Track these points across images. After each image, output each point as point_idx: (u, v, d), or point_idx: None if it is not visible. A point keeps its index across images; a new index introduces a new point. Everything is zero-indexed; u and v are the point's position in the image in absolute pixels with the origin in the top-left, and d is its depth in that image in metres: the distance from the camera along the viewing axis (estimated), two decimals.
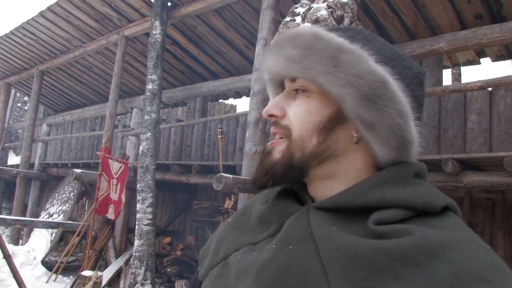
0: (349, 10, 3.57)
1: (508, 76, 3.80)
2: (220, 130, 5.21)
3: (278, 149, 0.78)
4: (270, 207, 0.82)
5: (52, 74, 11.45)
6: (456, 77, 9.41)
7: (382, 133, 0.73)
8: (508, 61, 6.50)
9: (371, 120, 0.72)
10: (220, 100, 11.62)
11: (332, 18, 3.52)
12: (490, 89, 5.26)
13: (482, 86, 3.99)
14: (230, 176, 4.36)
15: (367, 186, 0.72)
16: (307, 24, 3.49)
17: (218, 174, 4.41)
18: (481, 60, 6.47)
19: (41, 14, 8.68)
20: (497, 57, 6.31)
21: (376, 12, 5.70)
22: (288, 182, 0.79)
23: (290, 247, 0.69)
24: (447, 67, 6.73)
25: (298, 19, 3.67)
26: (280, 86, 0.87)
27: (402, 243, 0.61)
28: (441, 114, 5.70)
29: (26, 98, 17.91)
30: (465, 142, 5.45)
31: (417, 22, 5.61)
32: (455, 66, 6.81)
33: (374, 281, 0.59)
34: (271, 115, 0.80)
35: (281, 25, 3.78)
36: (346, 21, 3.56)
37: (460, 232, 0.65)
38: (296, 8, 3.81)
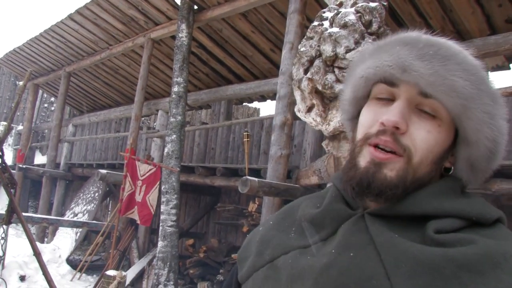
0: (377, 15, 3.55)
1: None
2: (246, 133, 5.22)
3: (393, 167, 0.74)
4: (323, 212, 0.81)
5: (78, 76, 11.64)
6: None
7: (479, 173, 0.83)
8: None
9: (484, 166, 0.82)
10: (244, 104, 11.65)
11: (360, 23, 3.50)
12: None
13: None
14: (256, 179, 4.37)
15: (425, 195, 0.75)
16: (336, 29, 3.47)
17: (244, 177, 4.42)
18: (511, 65, 6.36)
19: (70, 16, 8.84)
20: None
21: (403, 17, 5.65)
22: (377, 198, 0.76)
23: (351, 253, 0.70)
24: None
25: (326, 23, 3.65)
26: (369, 86, 0.83)
27: (468, 252, 0.64)
28: None
29: (52, 99, 18.22)
30: None
31: (445, 26, 5.55)
32: None
33: (438, 286, 0.62)
34: (396, 128, 0.74)
35: (308, 30, 3.76)
36: (375, 26, 3.53)
37: (505, 243, 0.67)
38: (324, 12, 3.80)
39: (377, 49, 0.82)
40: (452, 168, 0.82)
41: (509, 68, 6.41)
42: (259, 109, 15.89)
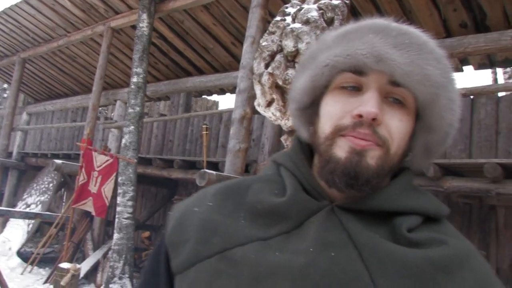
0: (339, 13, 3.60)
1: (491, 85, 3.89)
2: (205, 126, 5.20)
3: (372, 155, 0.72)
4: (288, 202, 0.75)
5: (34, 63, 11.27)
6: None
7: (431, 157, 0.85)
8: (489, 70, 6.61)
9: (437, 152, 0.84)
10: (203, 96, 11.59)
11: (322, 19, 3.54)
12: (471, 96, 5.35)
13: (466, 93, 4.07)
14: (214, 172, 4.37)
15: (393, 192, 0.76)
16: (298, 25, 3.50)
17: (202, 170, 4.41)
18: (464, 68, 6.58)
19: (26, 1, 8.56)
20: (479, 66, 6.43)
21: (364, 15, 5.73)
22: (364, 187, 0.73)
23: (332, 253, 0.68)
24: None
25: (289, 19, 3.67)
26: (333, 75, 0.78)
27: (443, 253, 0.67)
28: None
29: (5, 86, 17.59)
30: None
31: None
32: None
33: None
34: (374, 119, 0.71)
35: (271, 24, 3.78)
36: (336, 23, 3.58)
37: (466, 241, 0.74)
38: (287, 8, 3.82)
39: (344, 36, 0.78)
40: (409, 154, 0.82)
41: (462, 71, 6.63)
42: (218, 102, 15.86)
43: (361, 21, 0.80)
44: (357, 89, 0.75)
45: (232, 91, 9.44)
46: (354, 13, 5.65)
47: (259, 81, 3.70)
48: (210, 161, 6.23)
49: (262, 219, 0.75)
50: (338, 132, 0.73)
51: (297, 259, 0.67)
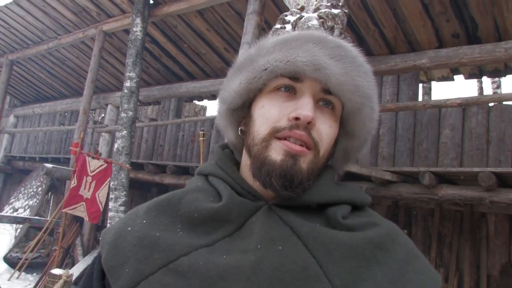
0: (339, 22, 3.63)
1: (486, 95, 3.95)
2: (202, 132, 5.20)
3: (305, 159, 0.77)
4: (227, 206, 0.77)
5: (22, 65, 11.15)
6: (427, 91, 9.65)
7: (349, 161, 0.94)
8: (475, 80, 6.71)
9: (355, 155, 0.93)
10: (193, 101, 11.57)
11: (323, 28, 3.58)
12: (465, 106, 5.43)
13: (461, 103, 4.14)
14: None
15: (323, 186, 0.82)
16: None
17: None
18: (455, 77, 6.68)
19: (16, 1, 8.47)
20: (469, 75, 6.53)
21: (358, 24, 5.81)
22: (297, 189, 0.77)
23: (279, 247, 0.71)
24: (422, 82, 6.91)
25: (289, 27, 3.70)
26: (270, 79, 0.81)
27: (379, 233, 0.76)
28: (416, 127, 5.86)
29: None
30: (438, 156, 5.61)
31: (397, 36, 5.76)
32: (430, 81, 7.00)
33: (363, 267, 0.71)
34: (309, 123, 0.76)
35: (271, 32, 3.80)
36: (336, 32, 3.62)
37: (391, 222, 0.84)
38: (286, 16, 3.84)
39: (285, 43, 0.81)
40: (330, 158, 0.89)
41: (453, 80, 6.73)
42: (206, 107, 15.84)
43: (301, 32, 0.85)
44: (292, 94, 0.80)
45: None
46: (348, 22, 5.70)
47: None
48: None
49: (202, 227, 0.76)
50: (275, 133, 0.77)
51: (246, 257, 0.69)
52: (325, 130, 0.79)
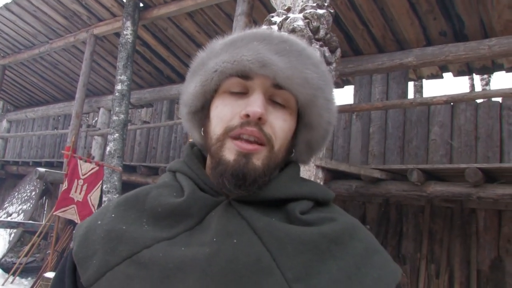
0: (324, 22, 3.67)
1: (471, 92, 4.00)
2: None
3: (258, 157, 0.78)
4: (187, 200, 0.80)
5: (14, 69, 11.15)
6: (418, 89, 9.73)
7: (314, 153, 0.95)
8: (467, 77, 6.77)
9: (321, 148, 0.94)
10: None
11: (308, 29, 3.61)
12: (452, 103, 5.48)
13: (447, 100, 4.18)
14: None
15: (284, 182, 0.84)
16: (284, 34, 3.56)
17: None
18: (444, 74, 6.73)
19: (6, 6, 8.49)
20: (458, 73, 6.58)
21: (346, 23, 5.86)
22: (252, 187, 0.78)
23: (234, 240, 0.73)
24: (411, 80, 6.96)
25: (275, 28, 3.74)
26: (221, 80, 0.83)
27: (335, 228, 0.77)
28: (405, 125, 5.91)
29: None
30: (427, 153, 5.66)
31: (386, 35, 5.80)
32: (419, 79, 7.06)
33: (318, 261, 0.72)
34: (260, 118, 0.77)
35: None
36: (322, 33, 3.66)
37: (352, 217, 0.85)
38: (273, 17, 3.88)
39: (231, 44, 0.83)
40: (294, 151, 0.90)
41: (442, 77, 6.78)
42: None
43: (247, 31, 0.86)
44: (243, 93, 0.81)
45: None
46: (336, 21, 5.75)
47: None
48: None
49: (165, 221, 0.79)
50: (228, 132, 0.79)
51: (202, 250, 0.72)
52: (278, 124, 0.81)
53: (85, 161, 5.92)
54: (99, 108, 9.19)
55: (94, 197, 5.76)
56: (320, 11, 3.67)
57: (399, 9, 5.41)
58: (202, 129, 0.90)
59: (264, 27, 3.95)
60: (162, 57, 8.43)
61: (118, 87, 6.69)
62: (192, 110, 0.91)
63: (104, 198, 6.25)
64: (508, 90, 3.95)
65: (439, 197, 4.52)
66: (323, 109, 0.86)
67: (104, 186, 6.25)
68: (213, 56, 0.85)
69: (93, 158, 6.62)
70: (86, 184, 5.73)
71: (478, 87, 11.82)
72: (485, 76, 10.72)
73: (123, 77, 6.70)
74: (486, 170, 3.94)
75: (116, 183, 6.33)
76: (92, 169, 5.80)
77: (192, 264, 0.70)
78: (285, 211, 0.81)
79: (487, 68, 6.32)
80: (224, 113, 0.81)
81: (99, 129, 8.53)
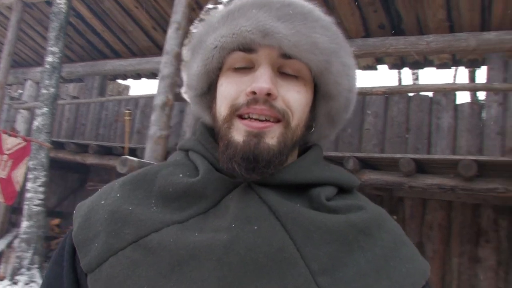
0: None
1: (408, 85, 4.15)
2: (128, 111, 5.06)
3: (272, 135, 0.71)
4: (203, 180, 0.73)
5: None
6: None
7: (337, 125, 0.87)
8: (400, 70, 7.03)
9: (344, 120, 0.87)
10: (118, 80, 11.21)
11: None
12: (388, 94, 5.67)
13: (385, 91, 4.31)
14: (135, 159, 4.27)
15: (306, 165, 0.78)
16: None
17: (123, 156, 4.30)
18: (378, 66, 6.94)
19: None
20: (392, 66, 6.83)
21: None
22: (267, 169, 0.71)
23: (255, 227, 0.67)
24: None
25: (221, 7, 3.67)
26: (223, 57, 0.77)
27: (363, 217, 0.71)
28: None
29: None
30: (361, 142, 5.83)
31: None
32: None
33: (345, 252, 0.67)
34: (269, 94, 0.70)
35: (203, 12, 3.73)
36: None
37: (379, 207, 0.79)
38: None
39: (229, 15, 0.76)
40: (314, 125, 0.83)
41: (377, 69, 7.00)
42: (129, 86, 15.38)
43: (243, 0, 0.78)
44: (249, 68, 0.75)
45: (150, 76, 9.23)
46: None
47: None
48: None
49: (176, 202, 0.73)
50: (235, 112, 0.72)
51: (219, 236, 0.66)
52: (293, 96, 0.73)
53: (10, 135, 5.56)
54: (25, 80, 8.66)
55: (19, 174, 5.43)
56: None
57: None
58: (212, 111, 0.82)
59: (210, 6, 3.84)
60: (96, 31, 8.07)
61: (49, 59, 6.31)
62: (198, 92, 0.84)
63: (30, 175, 5.93)
64: (442, 85, 4.13)
65: (371, 185, 4.67)
66: (341, 76, 0.78)
67: (30, 163, 5.91)
68: (211, 30, 0.78)
69: (18, 132, 6.26)
70: (11, 160, 5.38)
71: (407, 81, 12.40)
72: (416, 70, 11.24)
73: (55, 49, 6.33)
74: (418, 160, 4.11)
75: (43, 160, 6.01)
76: (18, 144, 5.45)
77: (207, 252, 0.64)
78: (309, 196, 0.75)
79: (420, 63, 6.60)
80: (228, 91, 0.74)
81: (26, 102, 8.05)
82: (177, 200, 0.73)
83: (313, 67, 0.74)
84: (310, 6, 0.78)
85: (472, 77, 8.79)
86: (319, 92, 0.80)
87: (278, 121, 0.72)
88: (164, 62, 4.91)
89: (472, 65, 6.75)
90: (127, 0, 7.10)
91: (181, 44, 4.74)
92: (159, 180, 0.76)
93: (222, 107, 0.75)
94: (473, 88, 5.28)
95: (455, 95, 5.39)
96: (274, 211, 0.69)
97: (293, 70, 0.74)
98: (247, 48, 0.73)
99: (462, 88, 4.74)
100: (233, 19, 0.74)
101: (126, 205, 0.73)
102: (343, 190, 0.79)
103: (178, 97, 4.89)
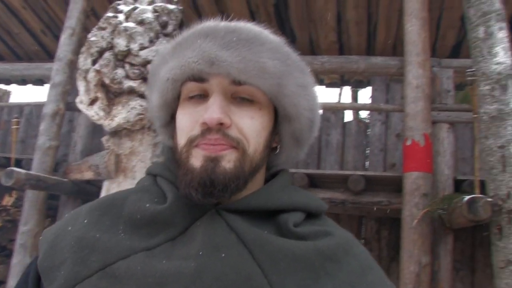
0: (174, 18, 3.65)
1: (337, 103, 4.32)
2: (16, 120, 4.73)
3: (229, 158, 0.71)
4: (171, 207, 0.73)
5: None
6: None
7: (304, 144, 0.86)
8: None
9: (310, 139, 0.86)
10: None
11: (157, 22, 3.55)
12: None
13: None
14: (22, 171, 4.01)
15: (274, 191, 0.78)
16: (132, 24, 3.44)
17: (8, 168, 4.01)
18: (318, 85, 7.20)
19: None
20: (331, 84, 7.10)
21: (188, 23, 5.87)
22: (223, 194, 0.71)
23: (223, 254, 0.66)
24: None
25: (121, 16, 3.58)
26: (178, 88, 0.78)
27: (330, 243, 0.72)
28: None
29: None
30: None
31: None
32: None
33: (312, 279, 0.67)
34: (221, 124, 0.70)
35: (102, 20, 3.62)
36: (170, 28, 3.61)
37: (347, 231, 0.79)
38: (119, 4, 3.71)
39: (177, 47, 0.77)
40: (278, 146, 0.83)
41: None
42: (10, 92, 14.30)
43: (192, 28, 0.79)
44: (203, 96, 0.75)
45: (36, 82, 8.69)
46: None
47: (85, 78, 3.55)
48: (10, 157, 5.64)
49: (144, 229, 0.71)
50: (191, 143, 0.72)
51: (187, 264, 0.65)
52: (246, 123, 0.73)
53: None
54: None
55: None
56: (171, 7, 3.63)
57: (238, 15, 5.53)
58: (173, 141, 0.82)
59: (109, 14, 3.73)
60: None
61: None
62: (162, 123, 0.85)
63: None
64: (334, 105, 4.37)
65: None
66: (297, 97, 0.78)
67: None
68: (163, 63, 0.79)
69: None
70: None
71: (349, 99, 12.94)
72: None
73: None
74: (311, 175, 4.29)
75: None
76: None
77: (174, 280, 0.63)
78: (277, 222, 0.74)
79: (359, 81, 6.97)
80: (184, 123, 0.75)
81: None
82: (145, 227, 0.72)
83: (266, 91, 0.75)
84: (257, 29, 0.79)
85: (354, 97, 9.18)
86: (279, 114, 0.80)
87: (232, 147, 0.72)
88: (55, 69, 4.69)
89: (358, 86, 7.25)
90: (14, 0, 6.65)
91: (75, 51, 4.55)
92: (128, 206, 0.75)
93: (181, 140, 0.75)
94: (361, 107, 5.61)
95: (343, 113, 5.71)
96: (242, 238, 0.69)
97: (248, 94, 0.75)
98: (198, 78, 0.74)
99: (352, 107, 5.05)
100: (181, 51, 0.75)
101: (94, 231, 0.71)
102: (311, 215, 0.80)
103: (70, 106, 4.67)
